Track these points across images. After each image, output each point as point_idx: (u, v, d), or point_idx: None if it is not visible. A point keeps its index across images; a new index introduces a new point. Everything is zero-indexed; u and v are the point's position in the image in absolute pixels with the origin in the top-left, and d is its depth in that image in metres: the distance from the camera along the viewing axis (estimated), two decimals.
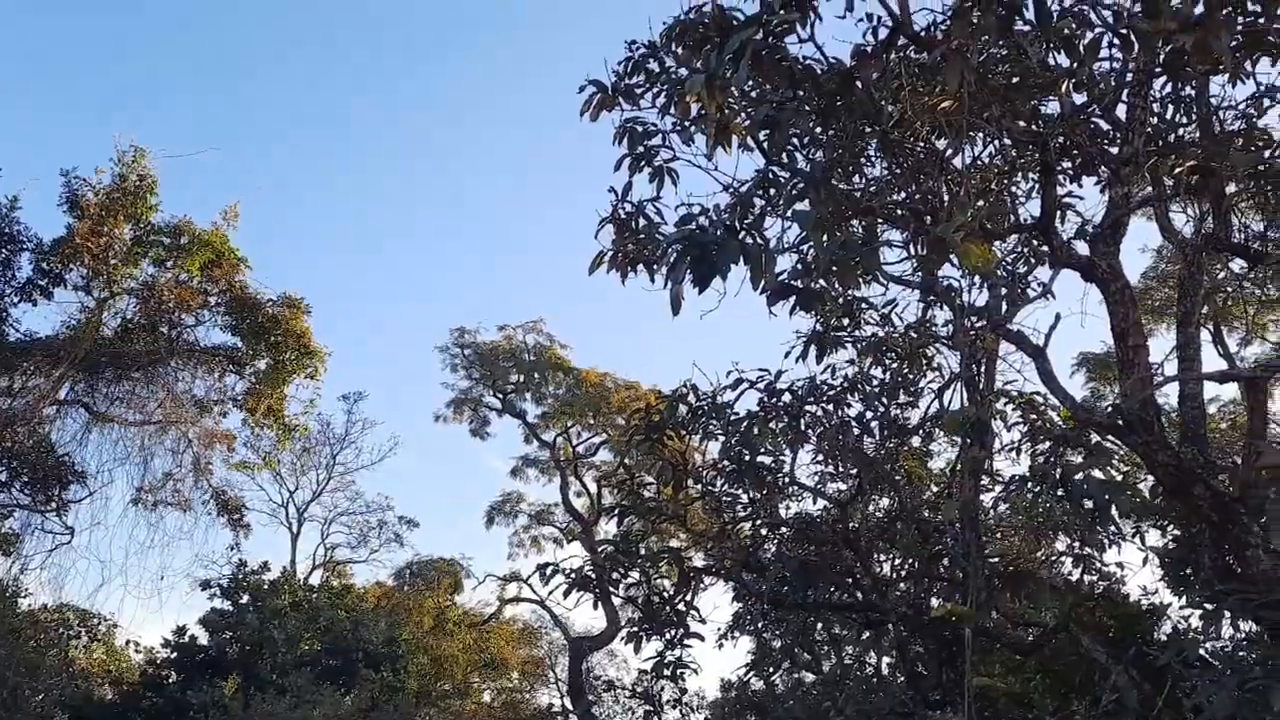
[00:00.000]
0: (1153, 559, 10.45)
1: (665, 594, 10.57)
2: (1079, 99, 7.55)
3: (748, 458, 9.66)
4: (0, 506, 20.81)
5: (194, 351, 23.39)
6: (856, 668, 13.75)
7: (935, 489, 12.19)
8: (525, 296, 64.22)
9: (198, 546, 27.80)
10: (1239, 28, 6.00)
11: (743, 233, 5.16)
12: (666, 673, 10.41)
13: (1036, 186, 7.99)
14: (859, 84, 6.08)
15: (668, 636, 10.21)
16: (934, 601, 10.76)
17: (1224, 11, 5.28)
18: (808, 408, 9.70)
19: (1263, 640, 6.65)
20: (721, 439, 9.97)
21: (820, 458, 10.70)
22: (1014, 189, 8.79)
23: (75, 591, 25.58)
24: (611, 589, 10.33)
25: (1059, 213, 7.69)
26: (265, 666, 22.34)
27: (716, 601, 53.77)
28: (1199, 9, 5.00)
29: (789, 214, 6.40)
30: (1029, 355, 7.73)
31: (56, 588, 22.95)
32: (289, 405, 24.83)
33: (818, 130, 7.01)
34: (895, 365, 10.07)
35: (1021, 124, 7.32)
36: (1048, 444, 7.67)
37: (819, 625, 13.65)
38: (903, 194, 7.69)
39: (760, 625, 13.80)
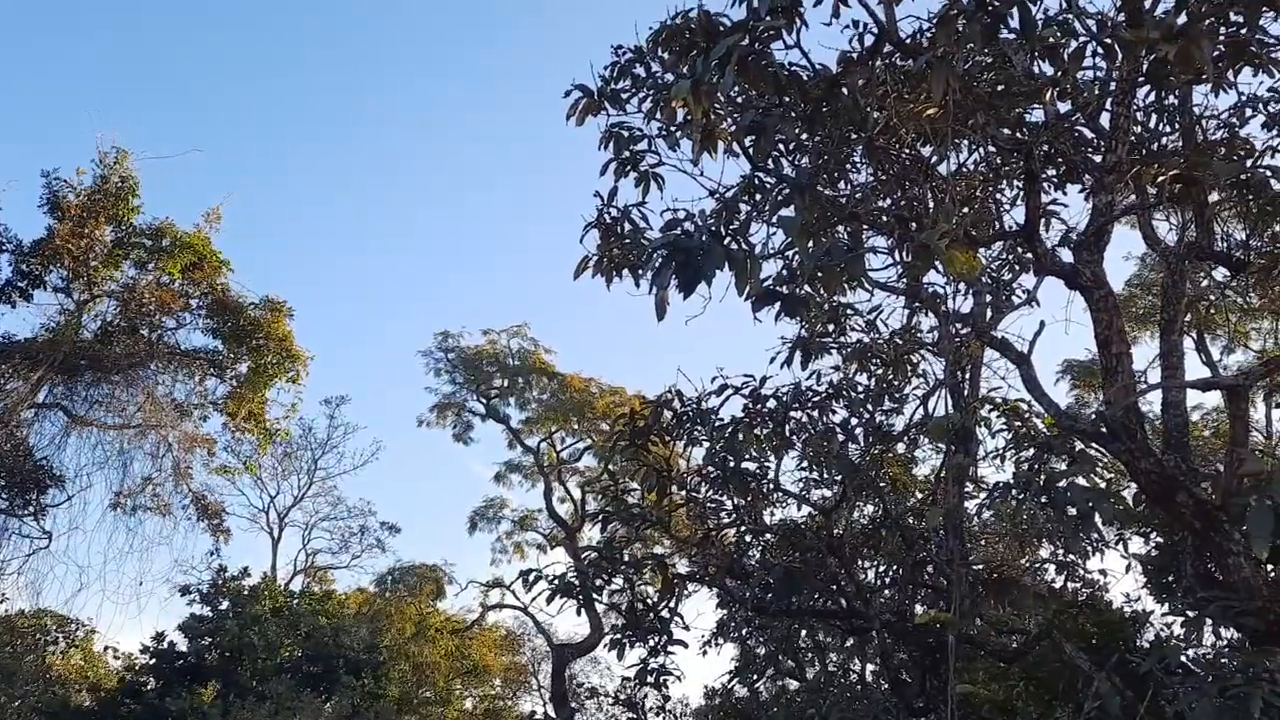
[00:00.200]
0: (1135, 566, 10.53)
1: (649, 600, 10.55)
2: (1063, 107, 7.60)
3: (732, 464, 9.66)
4: None
5: (174, 355, 23.16)
6: (840, 675, 13.75)
7: (920, 495, 12.23)
8: (509, 301, 63.97)
9: (177, 552, 27.33)
10: (1221, 38, 6.05)
11: (728, 238, 5.16)
12: (650, 680, 10.39)
13: (1021, 194, 8.03)
14: (844, 90, 6.11)
15: (651, 643, 10.19)
16: (918, 608, 10.78)
17: (1206, 22, 5.32)
18: (792, 414, 9.69)
19: (1244, 647, 6.67)
20: (706, 445, 9.96)
21: (805, 464, 10.70)
22: (998, 196, 8.84)
23: (53, 597, 25.26)
24: (595, 595, 10.28)
25: (1043, 220, 7.73)
26: (245, 673, 22.11)
27: (700, 608, 53.85)
28: (1182, 19, 5.04)
29: (774, 220, 6.42)
30: (1013, 362, 7.74)
31: (34, 593, 22.61)
32: (270, 409, 24.57)
33: (803, 136, 7.01)
34: (880, 371, 10.09)
35: (1006, 132, 7.35)
36: (1032, 451, 7.67)
37: (803, 632, 13.65)
38: (888, 200, 7.71)
39: (744, 632, 13.78)
